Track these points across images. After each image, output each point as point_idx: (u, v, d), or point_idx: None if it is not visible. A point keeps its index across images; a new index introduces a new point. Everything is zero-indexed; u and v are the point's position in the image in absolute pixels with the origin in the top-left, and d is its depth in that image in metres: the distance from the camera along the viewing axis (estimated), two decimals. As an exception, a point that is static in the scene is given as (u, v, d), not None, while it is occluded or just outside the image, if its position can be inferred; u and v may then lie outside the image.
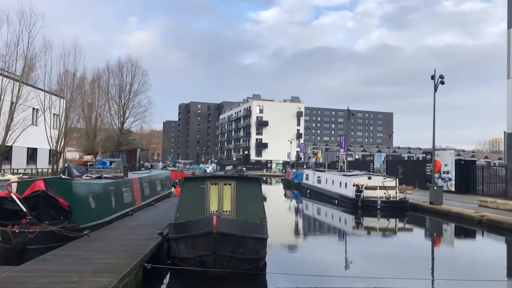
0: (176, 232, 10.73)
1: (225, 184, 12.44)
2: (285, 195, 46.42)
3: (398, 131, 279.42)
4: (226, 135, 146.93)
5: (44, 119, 44.96)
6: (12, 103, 37.41)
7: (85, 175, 16.90)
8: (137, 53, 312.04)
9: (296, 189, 46.84)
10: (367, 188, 27.18)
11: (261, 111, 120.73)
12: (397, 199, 26.87)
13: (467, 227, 21.20)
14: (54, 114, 47.32)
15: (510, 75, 31.55)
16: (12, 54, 37.79)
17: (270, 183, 69.08)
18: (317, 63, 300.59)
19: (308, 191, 40.31)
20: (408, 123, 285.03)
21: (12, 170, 41.82)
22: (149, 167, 60.10)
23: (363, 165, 58.49)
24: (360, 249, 17.13)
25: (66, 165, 32.66)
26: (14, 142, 38.74)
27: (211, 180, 12.57)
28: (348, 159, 78.75)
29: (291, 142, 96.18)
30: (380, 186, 26.90)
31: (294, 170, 53.53)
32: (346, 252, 16.45)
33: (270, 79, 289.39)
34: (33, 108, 46.33)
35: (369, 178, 28.63)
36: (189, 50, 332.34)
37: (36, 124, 48.55)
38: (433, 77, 32.22)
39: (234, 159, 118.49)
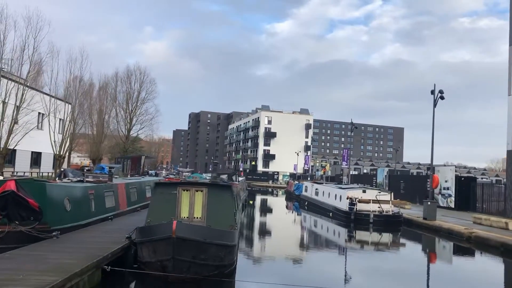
0: (140, 236, 10.76)
1: (197, 191, 12.48)
2: (286, 207, 46.27)
3: (410, 146, 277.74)
4: (234, 145, 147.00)
5: (49, 123, 45.44)
6: (16, 106, 37.87)
7: (66, 178, 17.03)
8: (151, 62, 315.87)
9: (297, 200, 46.67)
10: (360, 201, 26.99)
11: (269, 122, 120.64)
12: (391, 213, 26.62)
13: (455, 243, 20.95)
14: (60, 119, 47.90)
15: (510, 92, 31.31)
16: (18, 59, 38.33)
17: (277, 195, 68.75)
18: (330, 76, 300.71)
19: (306, 203, 40.13)
20: (420, 138, 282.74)
21: (13, 173, 42.23)
22: (154, 174, 60.39)
23: (367, 179, 58.10)
24: (342, 262, 17.00)
25: (62, 169, 33.10)
26: (16, 145, 39.10)
27: (183, 186, 12.60)
28: (354, 172, 78.33)
29: (297, 154, 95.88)
30: (374, 199, 26.70)
31: (296, 182, 53.36)
32: (328, 264, 16.33)
33: (283, 91, 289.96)
34: (39, 113, 46.89)
35: (364, 191, 28.40)
36: (203, 60, 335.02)
37: (41, 128, 49.08)
38: (432, 92, 32.14)
39: (241, 169, 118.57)
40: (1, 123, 36.96)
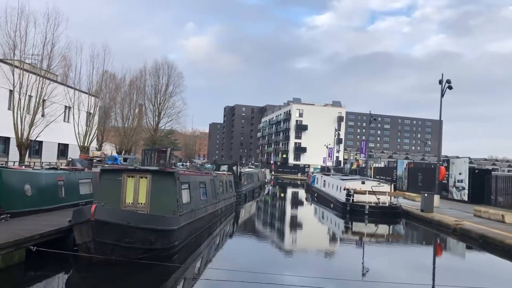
0: (73, 219, 11.18)
1: (141, 177, 12.83)
2: (300, 198, 46.28)
3: (451, 139, 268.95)
4: (266, 138, 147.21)
5: (73, 116, 47.22)
6: (36, 99, 39.38)
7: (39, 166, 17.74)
8: (192, 57, 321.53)
9: (311, 192, 46.55)
10: (356, 192, 26.66)
11: (300, 115, 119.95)
12: (387, 204, 26.16)
13: (441, 235, 20.60)
14: (86, 112, 49.80)
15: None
16: (39, 54, 39.86)
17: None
18: (372, 69, 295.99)
19: (315, 195, 39.96)
20: (464, 131, 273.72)
21: (37, 163, 43.98)
22: (181, 166, 61.72)
23: (388, 171, 57.11)
24: (318, 252, 17.01)
25: (70, 159, 34.40)
26: (37, 136, 40.64)
27: (128, 173, 12.98)
28: (380, 165, 77.01)
29: (327, 147, 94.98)
30: (369, 191, 26.31)
31: (313, 174, 53.11)
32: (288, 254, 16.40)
33: (322, 84, 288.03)
34: (65, 106, 48.70)
35: (363, 182, 28.01)
36: (243, 54, 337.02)
37: (68, 121, 50.97)
38: (440, 82, 31.28)
39: (272, 162, 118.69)
40: (24, 116, 38.45)
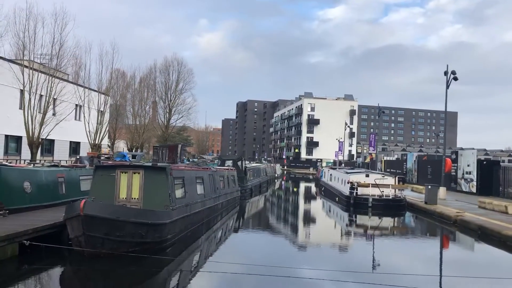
0: (65, 214, 11.50)
1: (134, 173, 13.12)
2: (308, 193, 46.33)
3: (470, 130, 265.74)
4: (279, 133, 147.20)
5: (84, 114, 47.84)
6: (46, 98, 39.95)
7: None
8: (206, 54, 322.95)
9: (320, 186, 46.58)
10: (360, 185, 26.70)
11: (312, 109, 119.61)
12: (391, 197, 26.14)
13: (442, 227, 20.59)
14: (98, 110, 50.53)
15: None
16: (48, 53, 40.42)
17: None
18: (386, 61, 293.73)
19: (323, 189, 40.03)
20: (482, 122, 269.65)
21: (48, 161, 44.72)
22: (190, 161, 62.28)
23: (398, 164, 56.91)
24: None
25: (78, 157, 35.01)
26: (47, 135, 41.24)
27: (121, 168, 13.28)
28: (390, 158, 76.61)
29: (339, 141, 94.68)
30: (373, 184, 26.33)
31: (322, 168, 53.12)
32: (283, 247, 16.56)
33: (336, 77, 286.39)
34: (76, 104, 49.39)
35: (367, 175, 28.04)
36: (256, 50, 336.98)
37: (79, 119, 51.67)
38: (445, 73, 31.09)
39: (284, 157, 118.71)
40: (35, 115, 38.97)
